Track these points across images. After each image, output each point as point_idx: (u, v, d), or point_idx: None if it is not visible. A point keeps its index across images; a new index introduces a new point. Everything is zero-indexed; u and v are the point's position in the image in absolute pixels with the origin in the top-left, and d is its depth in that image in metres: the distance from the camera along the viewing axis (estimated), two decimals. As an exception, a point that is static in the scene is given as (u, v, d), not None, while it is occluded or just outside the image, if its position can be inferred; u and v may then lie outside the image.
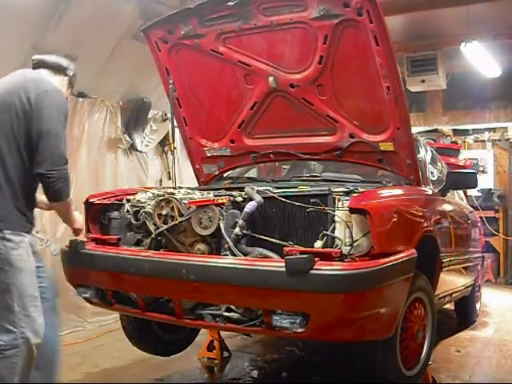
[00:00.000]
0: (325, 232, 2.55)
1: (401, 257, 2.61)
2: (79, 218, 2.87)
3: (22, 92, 2.50)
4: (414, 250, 2.73)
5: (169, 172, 6.04)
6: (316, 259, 2.37)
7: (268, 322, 2.47)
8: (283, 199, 2.67)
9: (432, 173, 4.00)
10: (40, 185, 2.57)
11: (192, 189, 3.38)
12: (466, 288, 4.51)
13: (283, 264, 2.37)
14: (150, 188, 3.47)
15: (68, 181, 2.55)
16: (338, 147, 3.39)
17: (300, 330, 2.40)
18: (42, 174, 2.46)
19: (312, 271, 2.32)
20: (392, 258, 2.55)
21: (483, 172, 7.92)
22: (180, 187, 3.45)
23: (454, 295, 4.16)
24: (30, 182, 2.55)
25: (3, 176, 2.48)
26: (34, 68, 2.78)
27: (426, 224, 3.05)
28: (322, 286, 2.32)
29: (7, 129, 2.48)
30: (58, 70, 2.79)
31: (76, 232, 2.89)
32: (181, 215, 2.88)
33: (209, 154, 3.78)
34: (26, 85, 2.55)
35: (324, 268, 2.35)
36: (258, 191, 2.80)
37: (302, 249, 2.52)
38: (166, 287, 2.70)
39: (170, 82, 3.57)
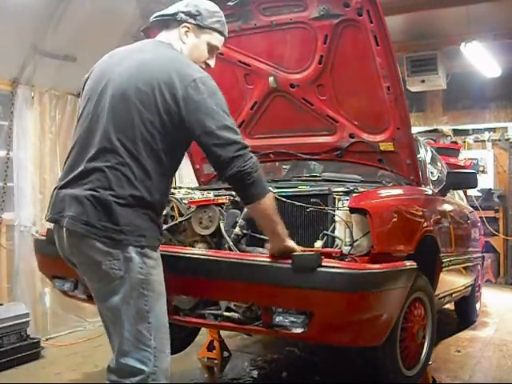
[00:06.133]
0: (325, 232, 2.55)
1: (404, 264, 2.61)
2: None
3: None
4: (413, 262, 2.70)
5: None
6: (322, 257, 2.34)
7: (269, 321, 2.44)
8: (283, 199, 2.67)
9: (432, 173, 4.00)
10: None
11: (192, 189, 3.38)
12: (466, 288, 4.50)
13: (290, 261, 2.31)
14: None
15: (259, 164, 2.03)
16: (338, 147, 3.39)
17: (301, 330, 2.37)
18: (233, 176, 1.97)
19: (319, 269, 2.27)
20: (396, 263, 2.54)
21: (483, 172, 7.90)
22: (180, 187, 3.45)
23: (454, 295, 4.15)
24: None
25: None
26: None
27: (425, 224, 3.04)
28: (329, 284, 2.27)
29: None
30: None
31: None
32: (181, 215, 2.88)
33: (209, 154, 3.78)
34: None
35: (332, 266, 2.32)
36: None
37: (302, 248, 2.52)
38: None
39: (170, 81, 3.56)
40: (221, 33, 2.24)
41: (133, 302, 1.92)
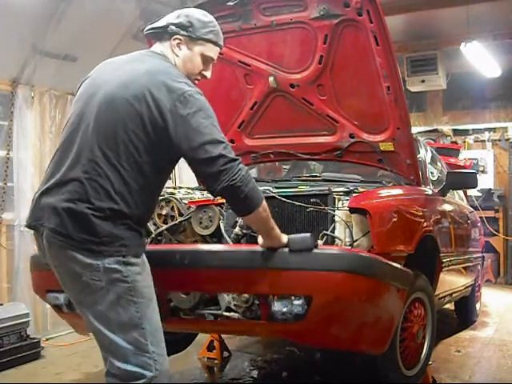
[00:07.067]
0: (325, 232, 2.55)
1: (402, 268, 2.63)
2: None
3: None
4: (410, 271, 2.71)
5: (169, 172, 6.02)
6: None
7: (267, 311, 2.41)
8: (283, 199, 2.67)
9: (432, 173, 4.00)
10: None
11: (192, 189, 3.38)
12: (466, 288, 4.50)
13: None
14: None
15: (251, 176, 2.00)
16: (338, 147, 3.39)
17: (300, 318, 2.33)
18: (222, 191, 1.97)
19: (316, 250, 2.29)
20: (393, 262, 2.56)
21: (483, 172, 7.90)
22: (180, 187, 3.46)
23: (454, 295, 4.16)
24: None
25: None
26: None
27: (425, 224, 3.04)
28: (326, 265, 2.27)
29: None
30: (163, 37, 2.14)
31: None
32: (181, 215, 2.89)
33: (209, 154, 3.78)
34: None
35: (328, 248, 2.35)
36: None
37: None
38: (156, 277, 2.28)
39: (170, 81, 3.56)
40: (215, 43, 2.17)
41: (122, 309, 1.90)
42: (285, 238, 2.28)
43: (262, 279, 2.37)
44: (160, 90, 1.93)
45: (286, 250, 2.28)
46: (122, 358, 1.92)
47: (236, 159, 1.95)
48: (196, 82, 2.16)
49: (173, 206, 2.92)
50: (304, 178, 3.49)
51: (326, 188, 2.73)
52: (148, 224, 2.90)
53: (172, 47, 2.11)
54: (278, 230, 2.23)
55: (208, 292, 2.63)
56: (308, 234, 2.34)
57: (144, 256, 2.01)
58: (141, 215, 1.99)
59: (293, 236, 2.31)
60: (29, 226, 2.05)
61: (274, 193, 2.75)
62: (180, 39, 2.11)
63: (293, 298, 2.38)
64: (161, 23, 2.14)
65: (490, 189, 7.72)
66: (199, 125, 1.92)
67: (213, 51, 2.17)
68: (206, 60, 2.16)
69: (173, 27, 2.10)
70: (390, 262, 2.52)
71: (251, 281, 2.39)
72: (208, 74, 2.20)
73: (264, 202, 2.06)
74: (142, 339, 1.92)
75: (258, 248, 2.34)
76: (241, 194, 1.94)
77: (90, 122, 1.97)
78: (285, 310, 2.37)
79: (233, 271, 2.41)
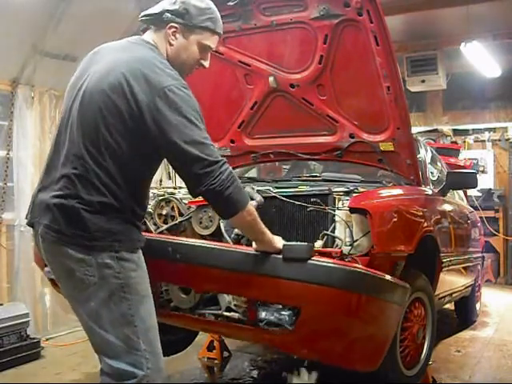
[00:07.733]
0: (325, 232, 2.55)
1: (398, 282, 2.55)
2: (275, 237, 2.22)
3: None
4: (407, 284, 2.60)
5: (169, 172, 6.03)
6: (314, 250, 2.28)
7: (254, 317, 2.37)
8: (284, 199, 2.67)
9: (432, 173, 4.00)
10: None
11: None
12: (466, 288, 4.50)
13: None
14: (151, 188, 3.46)
15: (234, 178, 1.91)
16: (338, 147, 3.39)
17: (287, 329, 2.29)
18: (203, 194, 1.93)
19: (311, 261, 2.21)
20: (391, 277, 2.48)
21: (483, 172, 7.90)
22: (180, 187, 3.46)
23: (454, 295, 4.16)
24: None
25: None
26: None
27: (426, 224, 3.04)
28: (319, 278, 2.19)
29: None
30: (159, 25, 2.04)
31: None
32: (181, 215, 2.89)
33: (209, 154, 3.77)
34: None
35: (324, 260, 2.27)
36: (258, 191, 2.80)
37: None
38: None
39: (170, 81, 3.56)
40: (212, 31, 2.04)
41: (114, 306, 1.87)
42: (280, 242, 2.23)
43: (251, 284, 2.31)
44: (139, 81, 1.85)
45: (280, 256, 2.21)
46: (113, 356, 1.90)
47: (217, 161, 1.87)
48: (193, 70, 2.10)
49: (173, 206, 2.92)
50: (304, 178, 3.49)
51: (326, 188, 2.73)
52: (148, 224, 2.91)
53: (167, 36, 2.02)
54: (269, 235, 2.16)
55: (195, 288, 2.59)
56: (305, 244, 2.28)
57: (140, 251, 1.98)
58: (132, 208, 1.95)
59: (288, 243, 2.26)
60: (28, 223, 2.06)
61: (275, 193, 2.75)
62: (176, 27, 2.01)
63: (281, 306, 2.34)
64: (156, 9, 2.03)
65: (490, 189, 7.73)
66: (179, 123, 1.84)
67: (211, 39, 2.06)
68: (203, 49, 2.06)
69: (168, 14, 1.99)
70: (386, 277, 2.42)
71: (239, 283, 2.35)
72: (206, 63, 2.10)
73: (249, 206, 1.98)
74: (133, 337, 1.89)
75: (251, 251, 2.28)
76: (220, 197, 1.88)
77: (74, 117, 1.95)
78: (271, 318, 2.34)
79: (221, 271, 2.36)
